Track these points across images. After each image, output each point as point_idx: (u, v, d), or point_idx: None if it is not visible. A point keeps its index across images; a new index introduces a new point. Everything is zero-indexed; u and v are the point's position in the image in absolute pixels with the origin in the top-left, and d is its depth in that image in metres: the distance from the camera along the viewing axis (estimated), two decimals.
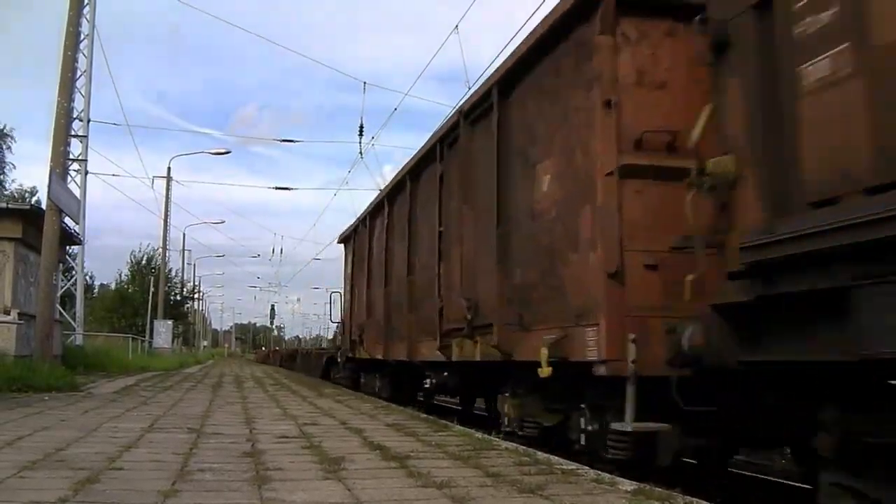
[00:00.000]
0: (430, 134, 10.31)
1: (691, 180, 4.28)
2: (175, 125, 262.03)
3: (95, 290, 59.91)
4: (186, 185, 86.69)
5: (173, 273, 47.08)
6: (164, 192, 37.86)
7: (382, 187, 14.91)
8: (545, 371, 5.83)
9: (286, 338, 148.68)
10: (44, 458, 5.18)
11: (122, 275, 46.46)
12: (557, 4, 6.11)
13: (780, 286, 3.62)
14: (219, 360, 58.30)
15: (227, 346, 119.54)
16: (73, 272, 26.90)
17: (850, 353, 3.20)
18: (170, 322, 39.42)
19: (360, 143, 23.76)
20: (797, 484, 6.94)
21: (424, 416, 9.79)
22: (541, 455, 5.92)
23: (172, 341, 42.30)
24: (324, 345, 45.56)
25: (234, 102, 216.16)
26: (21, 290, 16.13)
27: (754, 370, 4.20)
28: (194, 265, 58.73)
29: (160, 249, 40.89)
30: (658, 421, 5.16)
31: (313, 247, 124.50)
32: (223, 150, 36.96)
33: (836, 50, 3.31)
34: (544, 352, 5.82)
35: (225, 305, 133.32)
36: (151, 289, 40.14)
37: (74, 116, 19.16)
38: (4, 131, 52.63)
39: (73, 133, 18.36)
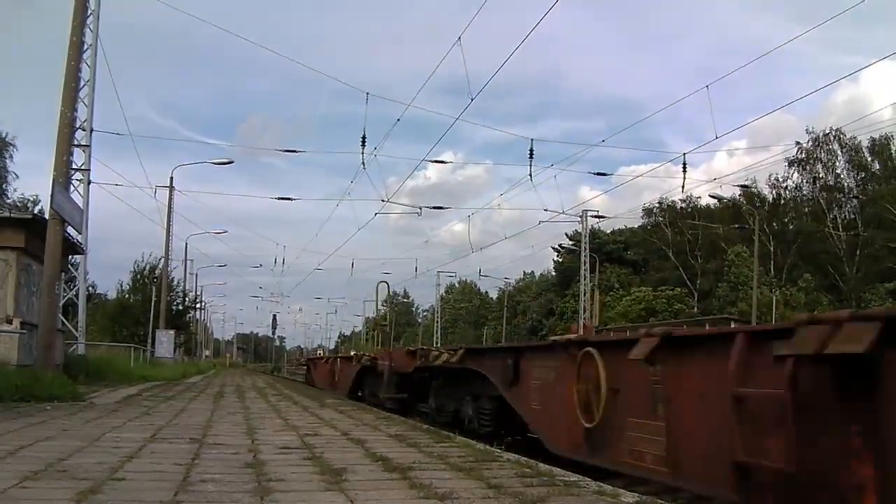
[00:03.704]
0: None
1: None
2: (179, 135, 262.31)
3: (97, 299, 59.92)
4: (189, 195, 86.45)
5: (175, 282, 47.12)
6: (166, 202, 37.94)
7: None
8: None
9: (288, 348, 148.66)
10: (46, 469, 5.18)
11: (123, 284, 46.42)
12: None
13: None
14: (220, 370, 58.22)
15: (228, 355, 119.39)
16: (76, 281, 26.92)
17: None
18: (171, 332, 39.36)
19: (362, 153, 23.89)
20: None
21: (426, 427, 9.79)
22: (543, 467, 5.92)
23: (174, 351, 42.25)
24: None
25: (239, 112, 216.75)
26: (23, 300, 16.12)
27: None
28: (196, 275, 58.86)
29: (162, 259, 40.93)
30: None
31: (315, 257, 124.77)
32: (226, 160, 37.00)
33: None
34: None
35: (227, 315, 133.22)
36: (153, 298, 40.12)
37: (77, 126, 19.17)
38: (6, 140, 52.82)
39: (76, 143, 18.36)
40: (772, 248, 60.18)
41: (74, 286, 27.38)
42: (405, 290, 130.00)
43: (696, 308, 61.50)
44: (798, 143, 60.87)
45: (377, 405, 15.21)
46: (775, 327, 5.05)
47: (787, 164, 61.07)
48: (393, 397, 15.12)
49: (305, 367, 38.43)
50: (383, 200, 30.18)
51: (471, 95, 19.27)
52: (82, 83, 20.70)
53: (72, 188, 20.28)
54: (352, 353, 24.22)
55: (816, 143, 60.72)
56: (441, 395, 12.79)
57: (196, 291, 60.18)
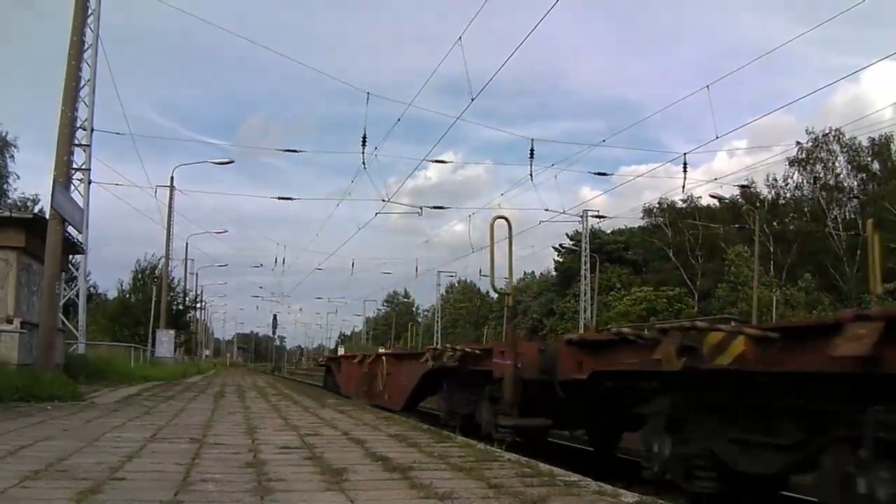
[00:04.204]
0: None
1: None
2: (179, 135, 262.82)
3: (97, 299, 59.99)
4: (190, 195, 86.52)
5: (176, 282, 47.14)
6: (167, 202, 37.95)
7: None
8: None
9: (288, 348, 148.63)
10: (46, 468, 5.18)
11: (124, 284, 46.48)
12: None
13: None
14: (221, 370, 58.22)
15: (229, 355, 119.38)
16: (76, 281, 26.93)
17: None
18: (172, 331, 39.35)
19: (363, 153, 23.87)
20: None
21: (426, 427, 9.78)
22: (543, 466, 5.91)
23: (175, 351, 42.24)
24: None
25: (240, 112, 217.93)
26: (24, 300, 16.13)
27: None
28: (197, 274, 58.87)
29: (163, 259, 40.95)
30: None
31: (316, 257, 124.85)
32: (226, 160, 36.98)
33: None
34: None
35: (227, 315, 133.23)
36: (154, 298, 40.14)
37: (78, 126, 19.16)
38: (7, 140, 52.84)
39: (76, 142, 18.37)
40: (772, 248, 60.15)
41: (75, 286, 27.38)
42: (405, 290, 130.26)
43: (696, 308, 61.45)
44: (798, 142, 60.94)
45: (467, 429, 10.05)
46: None
47: (787, 163, 61.14)
48: (522, 425, 8.78)
49: (325, 368, 29.43)
50: (384, 200, 30.17)
51: (471, 95, 19.23)
52: (83, 83, 20.70)
53: (72, 188, 20.28)
54: (424, 349, 15.25)
55: (816, 143, 60.74)
56: (698, 433, 6.04)
57: (196, 291, 60.28)
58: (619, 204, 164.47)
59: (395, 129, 26.58)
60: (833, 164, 61.68)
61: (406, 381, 14.36)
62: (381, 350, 25.15)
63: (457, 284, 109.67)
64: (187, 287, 52.16)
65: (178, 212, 40.84)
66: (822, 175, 61.76)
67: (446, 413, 12.04)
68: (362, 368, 18.07)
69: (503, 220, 9.93)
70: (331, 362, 27.19)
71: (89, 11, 17.83)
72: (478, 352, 10.32)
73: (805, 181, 63.26)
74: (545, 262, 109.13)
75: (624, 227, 73.90)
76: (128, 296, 45.10)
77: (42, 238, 14.75)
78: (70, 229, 16.27)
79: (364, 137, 23.76)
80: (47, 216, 15.08)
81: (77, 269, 25.98)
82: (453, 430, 9.76)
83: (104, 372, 21.16)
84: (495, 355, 9.20)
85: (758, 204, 58.26)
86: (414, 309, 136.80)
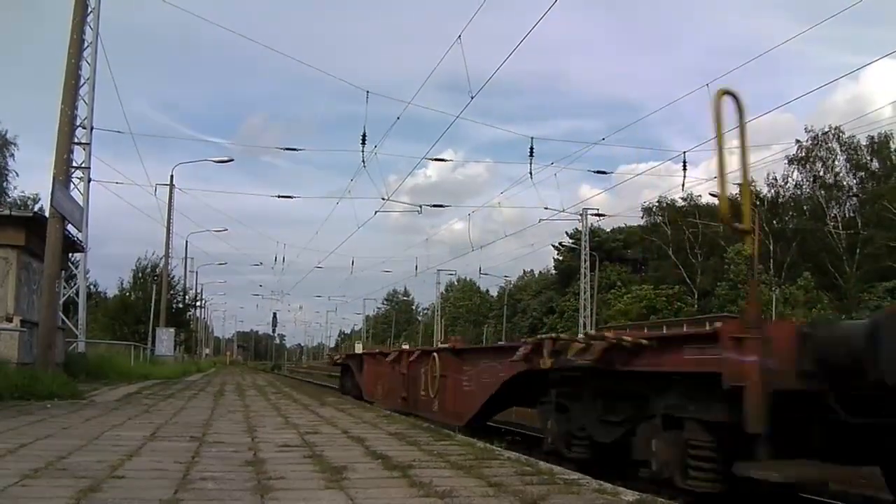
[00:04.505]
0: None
1: None
2: (180, 133, 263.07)
3: (97, 297, 60.00)
4: (190, 194, 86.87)
5: (176, 280, 47.13)
6: (166, 200, 37.93)
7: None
8: None
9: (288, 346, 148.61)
10: (46, 467, 5.18)
11: (124, 283, 46.52)
12: None
13: None
14: (220, 368, 58.21)
15: (228, 353, 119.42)
16: (76, 279, 26.93)
17: None
18: (172, 330, 39.35)
19: (363, 151, 23.87)
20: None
21: (426, 425, 9.78)
22: (543, 465, 5.92)
23: (175, 349, 42.23)
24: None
25: (240, 111, 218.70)
26: (24, 298, 16.13)
27: None
28: (197, 273, 58.86)
29: (163, 257, 40.94)
30: None
31: (316, 255, 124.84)
32: (226, 158, 36.92)
33: None
34: None
35: (227, 313, 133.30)
36: (154, 296, 40.14)
37: (78, 124, 19.15)
38: (7, 138, 52.84)
39: (76, 141, 18.38)
40: (771, 247, 60.16)
41: (74, 284, 27.37)
42: (405, 289, 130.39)
43: (695, 306, 61.47)
44: (798, 141, 60.96)
45: (605, 468, 6.35)
46: None
47: (786, 162, 61.18)
48: (793, 479, 5.10)
49: (341, 369, 24.01)
50: (383, 199, 30.17)
51: (471, 94, 19.19)
52: (82, 81, 20.68)
53: (72, 186, 20.27)
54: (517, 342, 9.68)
55: (816, 142, 60.75)
56: None
57: (196, 289, 60.26)
58: (619, 202, 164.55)
59: (394, 127, 26.63)
60: (832, 162, 61.70)
61: (475, 387, 10.57)
62: (406, 346, 23.57)
63: (456, 283, 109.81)
64: (187, 285, 52.22)
65: (178, 210, 40.93)
66: (821, 173, 61.79)
67: (559, 438, 7.78)
68: (398, 369, 14.57)
69: (730, 97, 5.87)
70: (350, 361, 22.72)
71: (89, 9, 17.83)
72: (643, 343, 6.12)
73: (804, 179, 63.31)
74: (545, 261, 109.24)
75: (624, 225, 73.92)
76: (128, 294, 45.12)
77: (42, 236, 14.74)
78: (70, 227, 16.25)
79: (364, 136, 23.74)
80: (47, 214, 15.07)
81: (77, 268, 25.96)
82: (576, 464, 6.74)
83: (104, 370, 21.18)
84: (723, 344, 5.08)
85: (757, 202, 58.25)
86: (413, 307, 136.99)
